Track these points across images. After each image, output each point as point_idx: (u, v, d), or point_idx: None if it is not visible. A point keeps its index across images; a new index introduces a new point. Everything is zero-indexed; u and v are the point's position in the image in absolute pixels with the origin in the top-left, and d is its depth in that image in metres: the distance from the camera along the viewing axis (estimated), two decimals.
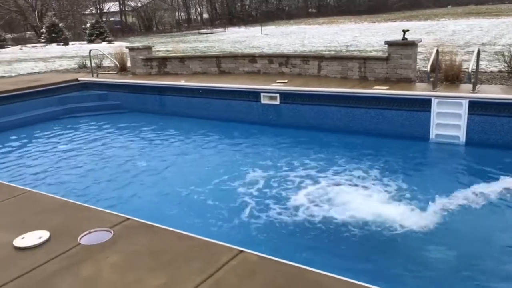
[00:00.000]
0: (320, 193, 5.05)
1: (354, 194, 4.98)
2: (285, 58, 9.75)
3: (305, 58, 9.39)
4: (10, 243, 2.70)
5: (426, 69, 7.79)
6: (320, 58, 9.11)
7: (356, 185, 5.30)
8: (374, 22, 37.88)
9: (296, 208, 4.73)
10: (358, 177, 5.56)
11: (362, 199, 4.85)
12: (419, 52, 9.05)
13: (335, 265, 3.57)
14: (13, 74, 13.40)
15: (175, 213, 4.89)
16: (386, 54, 8.05)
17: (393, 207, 4.63)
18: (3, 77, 12.83)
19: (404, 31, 7.75)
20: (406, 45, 7.74)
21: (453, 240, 4.06)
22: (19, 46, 31.17)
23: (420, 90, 7.06)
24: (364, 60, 8.42)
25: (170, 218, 4.65)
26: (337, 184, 5.33)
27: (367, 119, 7.28)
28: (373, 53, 13.71)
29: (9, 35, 37.01)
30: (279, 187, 5.35)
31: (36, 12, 39.60)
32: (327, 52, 14.43)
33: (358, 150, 6.71)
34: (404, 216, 4.37)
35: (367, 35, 23.81)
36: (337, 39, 22.05)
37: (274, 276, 2.34)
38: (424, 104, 6.76)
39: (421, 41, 8.07)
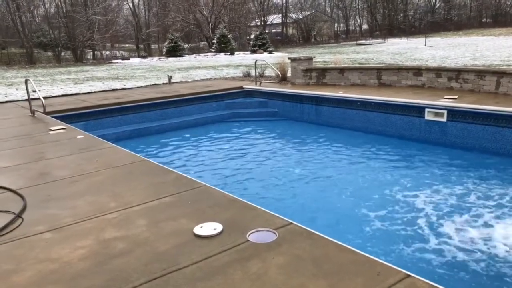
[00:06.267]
0: (493, 229, 4.48)
1: None
2: (456, 72, 8.97)
3: (480, 73, 8.48)
4: (191, 230, 3.03)
5: None
6: (500, 73, 8.12)
7: None
8: None
9: (466, 241, 4.28)
10: None
11: None
12: None
13: None
14: (189, 80, 15.19)
15: (328, 222, 4.89)
16: None
17: None
18: (181, 82, 14.63)
19: None
20: None
21: None
22: (194, 55, 35.27)
23: None
24: None
25: (323, 227, 4.66)
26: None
27: None
28: None
29: (186, 45, 42.05)
30: (440, 214, 4.92)
31: (210, 25, 44.28)
32: (505, 67, 12.79)
33: None
34: None
35: None
36: None
37: None
38: None
39: None
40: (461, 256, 4.01)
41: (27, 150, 5.67)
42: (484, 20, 58.61)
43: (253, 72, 13.42)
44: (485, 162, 6.68)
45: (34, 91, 9.20)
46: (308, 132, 9.37)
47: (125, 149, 5.55)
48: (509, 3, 57.66)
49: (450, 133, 7.51)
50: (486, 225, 4.58)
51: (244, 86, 11.72)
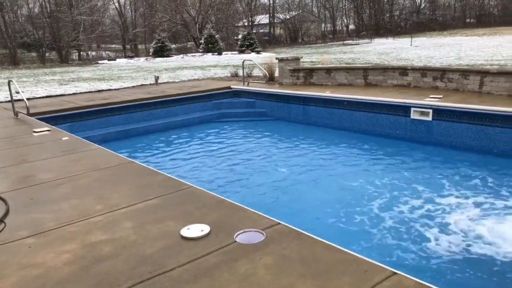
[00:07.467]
0: (478, 225, 4.54)
1: None
2: (441, 72, 9.07)
3: (464, 72, 8.60)
4: (178, 232, 3.01)
5: None
6: (483, 73, 8.24)
7: None
8: None
9: (451, 238, 4.33)
10: None
11: None
12: None
13: None
14: (176, 80, 15.11)
15: (314, 222, 4.90)
16: None
17: None
18: (168, 82, 14.54)
19: None
20: None
21: None
22: (181, 55, 35.09)
23: None
24: None
25: (310, 226, 4.67)
26: (500, 218, 4.73)
27: None
28: None
29: (174, 45, 41.85)
30: (426, 212, 4.96)
31: (197, 25, 44.13)
32: (489, 66, 12.99)
33: None
34: None
35: None
36: (501, 52, 19.74)
37: None
38: None
39: None
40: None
41: (10, 153, 5.57)
42: (468, 20, 59.48)
43: (240, 72, 13.41)
44: (468, 160, 6.76)
45: (18, 93, 9.05)
46: (295, 132, 9.39)
47: (111, 151, 5.49)
48: (492, 3, 58.60)
49: (435, 131, 7.60)
50: (467, 219, 4.63)
51: (231, 86, 11.69)
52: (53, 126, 7.29)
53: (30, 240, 3.02)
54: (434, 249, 4.13)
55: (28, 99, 9.12)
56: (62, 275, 2.55)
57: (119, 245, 2.89)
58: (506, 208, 4.95)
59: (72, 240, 2.99)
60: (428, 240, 4.31)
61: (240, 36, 40.56)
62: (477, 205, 5.07)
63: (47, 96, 11.63)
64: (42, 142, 6.06)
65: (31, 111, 8.39)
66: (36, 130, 6.80)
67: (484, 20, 55.65)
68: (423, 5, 60.81)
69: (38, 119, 8.08)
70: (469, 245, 4.15)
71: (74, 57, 39.20)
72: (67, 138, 6.29)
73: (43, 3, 38.22)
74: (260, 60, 19.32)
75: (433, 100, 7.74)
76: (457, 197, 5.34)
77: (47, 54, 36.93)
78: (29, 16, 42.14)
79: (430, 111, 7.58)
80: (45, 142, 6.08)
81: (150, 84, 13.94)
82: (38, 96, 11.74)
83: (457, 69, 9.08)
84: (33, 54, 37.74)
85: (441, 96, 8.00)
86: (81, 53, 39.88)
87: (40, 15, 39.57)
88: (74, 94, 12.02)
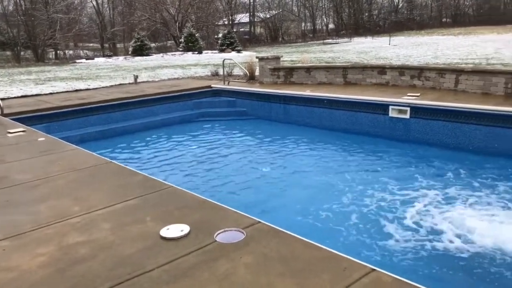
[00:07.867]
0: (454, 219, 4.64)
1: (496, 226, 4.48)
2: (418, 71, 9.23)
3: (441, 71, 8.77)
4: (157, 233, 2.98)
5: None
6: (458, 71, 8.43)
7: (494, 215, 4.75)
8: None
9: (428, 232, 4.41)
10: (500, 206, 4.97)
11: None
12: None
13: None
14: (156, 79, 14.95)
15: (295, 220, 4.92)
16: None
17: None
18: (148, 81, 14.39)
19: None
20: None
21: None
22: (161, 54, 34.75)
23: None
24: None
25: (291, 224, 4.69)
26: (474, 210, 4.84)
27: None
28: None
29: (153, 44, 41.35)
30: (404, 208, 5.05)
31: (177, 24, 43.75)
32: (464, 65, 13.28)
33: (507, 177, 5.99)
34: None
35: None
36: (475, 51, 20.20)
37: None
38: None
39: None
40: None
41: None
42: (444, 20, 60.69)
43: (221, 71, 13.37)
44: (447, 157, 6.89)
45: None
46: (276, 131, 9.42)
47: (88, 151, 5.39)
48: (467, 3, 59.94)
49: (413, 129, 7.72)
50: (437, 213, 4.73)
51: (212, 85, 11.64)
52: (28, 127, 7.12)
53: (5, 243, 2.95)
54: (399, 241, 4.21)
55: (2, 99, 8.90)
56: (36, 278, 2.50)
57: (97, 247, 2.84)
58: (478, 201, 5.07)
59: (48, 242, 2.93)
60: (393, 233, 4.38)
61: (220, 35, 40.34)
62: (452, 199, 5.18)
63: (22, 96, 11.36)
64: (17, 143, 5.91)
65: (6, 111, 8.19)
66: (11, 131, 6.63)
67: (459, 20, 56.88)
68: (401, 4, 61.76)
69: (13, 119, 7.89)
70: (437, 238, 4.24)
71: (50, 56, 38.34)
72: (43, 138, 6.16)
73: (18, 0, 37.27)
74: (241, 59, 19.30)
75: (410, 98, 7.87)
76: (429, 189, 5.45)
77: (22, 53, 36.03)
78: (3, 14, 41.00)
79: (408, 109, 7.71)
80: (20, 143, 5.94)
81: (129, 83, 13.76)
82: (13, 96, 11.47)
83: (433, 67, 9.25)
84: (8, 53, 36.76)
85: (418, 94, 8.14)
86: (58, 52, 39.04)
87: (15, 13, 38.55)
88: (50, 94, 11.77)
